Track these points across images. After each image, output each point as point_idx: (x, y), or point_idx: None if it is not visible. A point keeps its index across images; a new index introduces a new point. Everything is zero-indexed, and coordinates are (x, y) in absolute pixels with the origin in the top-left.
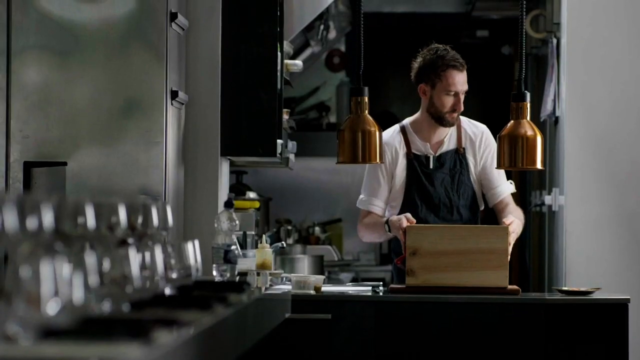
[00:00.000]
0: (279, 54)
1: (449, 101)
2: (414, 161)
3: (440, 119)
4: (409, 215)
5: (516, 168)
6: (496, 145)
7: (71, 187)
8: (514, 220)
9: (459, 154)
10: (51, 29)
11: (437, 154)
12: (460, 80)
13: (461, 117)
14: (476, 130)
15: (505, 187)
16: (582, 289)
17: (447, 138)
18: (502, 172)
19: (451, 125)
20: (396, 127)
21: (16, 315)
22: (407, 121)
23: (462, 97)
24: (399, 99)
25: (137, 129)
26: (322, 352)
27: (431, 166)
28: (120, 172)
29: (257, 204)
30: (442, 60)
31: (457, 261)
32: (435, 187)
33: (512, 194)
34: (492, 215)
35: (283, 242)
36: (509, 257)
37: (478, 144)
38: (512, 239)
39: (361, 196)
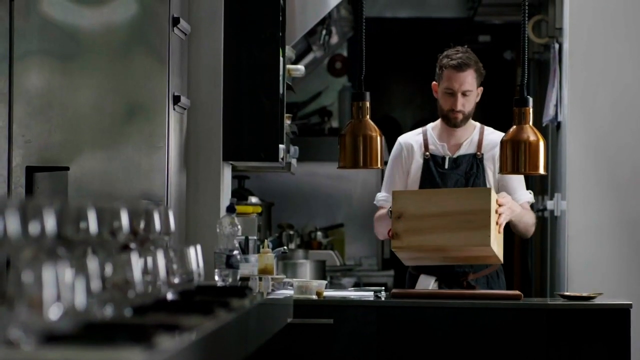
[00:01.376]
0: (281, 59)
1: (448, 100)
2: (430, 161)
3: (445, 118)
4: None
5: (519, 173)
6: None
7: (73, 192)
8: (507, 197)
9: (476, 159)
10: (53, 34)
11: (454, 156)
12: (458, 80)
13: (485, 127)
14: (497, 138)
15: (522, 195)
16: (584, 294)
17: (466, 142)
18: (521, 181)
19: (455, 125)
20: (418, 129)
21: (18, 320)
22: (429, 125)
23: (460, 98)
24: (400, 104)
25: (140, 133)
26: (324, 357)
27: (446, 166)
28: (123, 176)
29: (259, 209)
30: (446, 59)
31: (441, 223)
32: (447, 187)
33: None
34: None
35: (285, 247)
36: (495, 222)
37: (498, 150)
38: (505, 212)
39: (378, 194)
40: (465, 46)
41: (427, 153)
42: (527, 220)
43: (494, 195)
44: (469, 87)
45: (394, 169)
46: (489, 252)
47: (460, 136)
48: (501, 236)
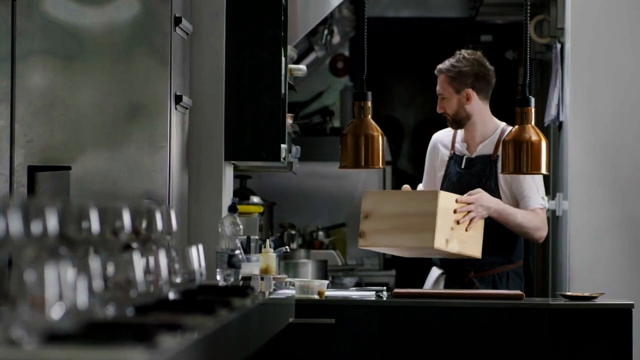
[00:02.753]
0: (283, 58)
1: None
2: (453, 159)
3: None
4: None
5: (521, 173)
6: None
7: (75, 192)
8: (480, 194)
9: (491, 160)
10: (56, 34)
11: (472, 156)
12: (437, 84)
13: (509, 127)
14: None
15: (531, 200)
16: (586, 294)
17: (483, 143)
18: (533, 186)
19: (451, 127)
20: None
21: (21, 319)
22: None
23: (440, 101)
24: (402, 103)
25: (141, 133)
26: (325, 356)
27: (463, 166)
28: (125, 176)
29: (261, 209)
30: None
31: (397, 224)
32: (461, 186)
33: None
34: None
35: (287, 247)
36: (456, 222)
37: None
38: (475, 209)
39: (419, 185)
40: (479, 52)
41: (452, 151)
42: (519, 221)
43: (445, 197)
44: (441, 91)
45: (427, 164)
46: (441, 253)
47: (477, 137)
48: (476, 233)
